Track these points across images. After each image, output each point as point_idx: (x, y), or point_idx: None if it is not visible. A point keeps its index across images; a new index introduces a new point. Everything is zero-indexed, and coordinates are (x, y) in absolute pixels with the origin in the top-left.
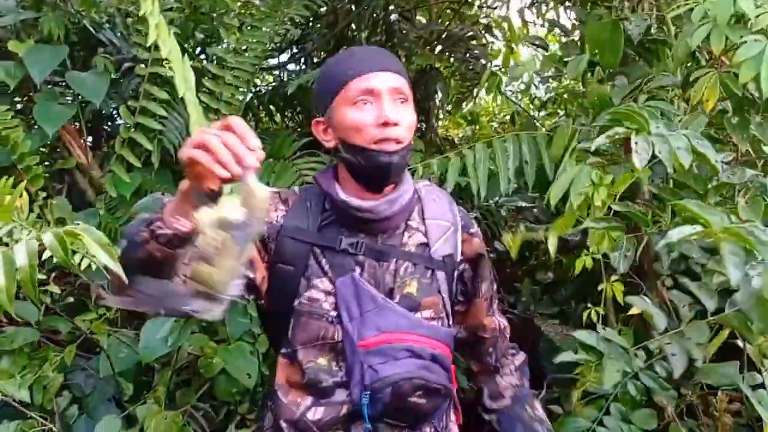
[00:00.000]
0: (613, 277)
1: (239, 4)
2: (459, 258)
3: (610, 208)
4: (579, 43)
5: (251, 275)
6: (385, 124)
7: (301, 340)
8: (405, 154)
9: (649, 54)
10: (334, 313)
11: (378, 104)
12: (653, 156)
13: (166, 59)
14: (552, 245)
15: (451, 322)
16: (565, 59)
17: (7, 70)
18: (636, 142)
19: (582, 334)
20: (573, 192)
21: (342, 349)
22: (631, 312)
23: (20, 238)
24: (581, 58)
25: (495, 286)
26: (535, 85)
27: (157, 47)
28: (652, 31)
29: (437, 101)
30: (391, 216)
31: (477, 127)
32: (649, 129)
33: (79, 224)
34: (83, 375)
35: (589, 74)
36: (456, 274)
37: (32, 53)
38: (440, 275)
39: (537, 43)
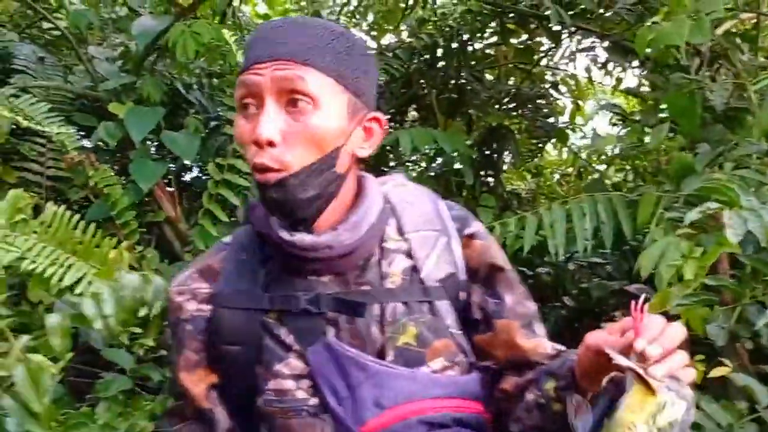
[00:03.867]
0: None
1: None
2: (463, 275)
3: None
4: (653, 104)
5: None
6: (256, 143)
7: None
8: (298, 186)
9: (731, 121)
10: (314, 401)
11: (260, 111)
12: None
13: None
14: None
15: (472, 360)
16: (641, 124)
17: (107, 130)
18: (729, 218)
19: None
20: (663, 264)
21: None
22: (710, 375)
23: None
24: (662, 127)
25: (532, 306)
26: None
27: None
28: (732, 98)
29: (505, 157)
30: (359, 245)
31: (542, 179)
32: (740, 203)
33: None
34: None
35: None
36: (464, 297)
37: (132, 114)
38: (442, 306)
39: (615, 110)
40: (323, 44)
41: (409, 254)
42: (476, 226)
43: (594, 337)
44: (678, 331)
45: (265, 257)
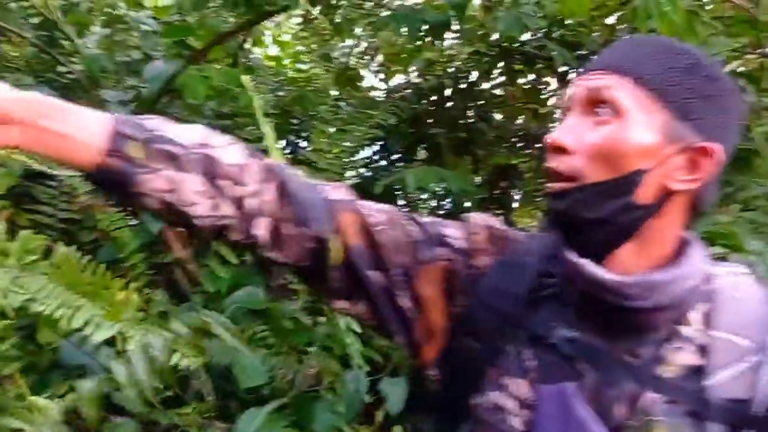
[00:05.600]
0: None
1: (327, 107)
2: (759, 410)
3: None
4: None
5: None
6: (550, 148)
7: None
8: (583, 201)
9: (737, 162)
10: None
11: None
12: None
13: None
14: None
15: None
16: None
17: None
18: None
19: None
20: None
21: None
22: None
23: (132, 336)
24: None
25: None
26: None
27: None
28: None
29: (513, 195)
30: (651, 308)
31: None
32: (746, 247)
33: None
34: None
35: None
36: None
37: None
38: (713, 430)
39: None
40: (649, 56)
41: (703, 352)
42: None
43: None
44: None
45: (545, 272)
